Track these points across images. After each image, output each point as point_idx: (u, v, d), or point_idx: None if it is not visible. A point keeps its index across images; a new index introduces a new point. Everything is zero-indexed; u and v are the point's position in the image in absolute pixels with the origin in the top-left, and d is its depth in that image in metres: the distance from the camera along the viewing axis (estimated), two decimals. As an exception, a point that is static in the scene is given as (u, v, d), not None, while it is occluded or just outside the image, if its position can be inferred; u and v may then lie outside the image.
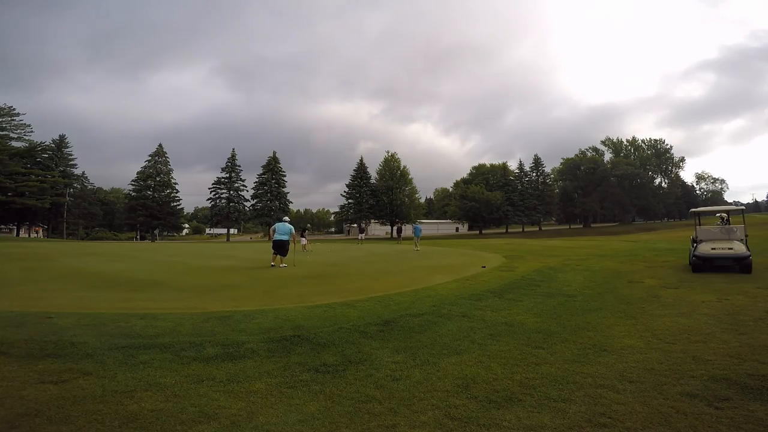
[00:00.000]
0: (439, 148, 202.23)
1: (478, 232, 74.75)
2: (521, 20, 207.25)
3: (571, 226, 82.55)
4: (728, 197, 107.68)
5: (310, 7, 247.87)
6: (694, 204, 77.85)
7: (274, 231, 12.94)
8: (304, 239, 23.36)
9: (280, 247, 12.56)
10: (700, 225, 11.49)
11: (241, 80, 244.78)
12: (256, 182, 65.79)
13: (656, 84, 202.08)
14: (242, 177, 66.04)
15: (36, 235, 61.52)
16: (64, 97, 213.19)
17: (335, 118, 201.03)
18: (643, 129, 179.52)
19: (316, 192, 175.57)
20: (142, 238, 59.88)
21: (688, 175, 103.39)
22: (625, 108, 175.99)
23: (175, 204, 65.73)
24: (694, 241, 10.89)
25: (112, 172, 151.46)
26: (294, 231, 13.20)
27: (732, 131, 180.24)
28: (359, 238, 35.03)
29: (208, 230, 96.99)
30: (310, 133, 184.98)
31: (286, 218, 14.30)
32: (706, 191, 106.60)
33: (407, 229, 41.61)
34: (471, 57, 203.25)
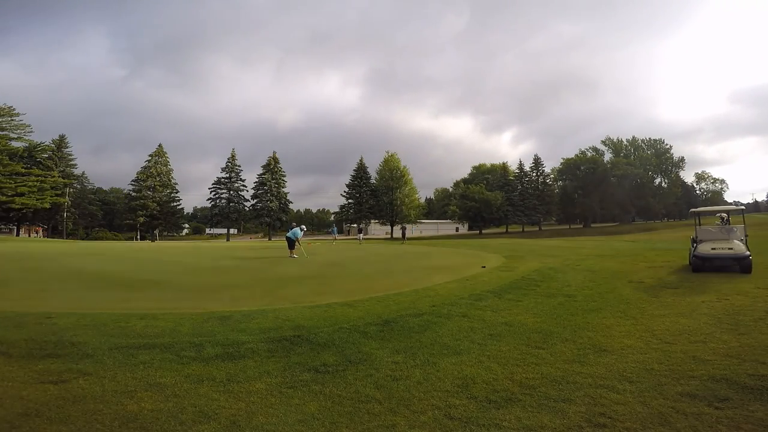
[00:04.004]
0: (505, 156, 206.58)
1: (478, 232, 74.68)
2: (628, 64, 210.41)
3: (571, 226, 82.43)
4: (728, 197, 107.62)
5: (487, 44, 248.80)
6: (694, 204, 77.79)
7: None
8: (361, 234, 34.26)
9: (288, 242, 17.26)
10: (700, 225, 11.48)
11: (379, 90, 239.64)
12: (255, 182, 65.83)
13: (711, 104, 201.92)
14: (242, 177, 66.14)
15: (36, 235, 61.45)
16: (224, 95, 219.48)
17: (428, 130, 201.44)
18: (684, 145, 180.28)
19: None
20: (142, 238, 59.87)
21: (688, 176, 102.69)
22: (677, 124, 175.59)
23: (175, 204, 65.68)
24: (694, 241, 10.88)
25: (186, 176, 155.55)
26: (298, 235, 17.28)
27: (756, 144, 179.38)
28: (359, 238, 35.45)
29: (208, 230, 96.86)
30: (392, 142, 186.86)
31: (294, 223, 19.49)
32: (706, 191, 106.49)
33: (398, 231, 44.31)
34: (576, 89, 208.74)
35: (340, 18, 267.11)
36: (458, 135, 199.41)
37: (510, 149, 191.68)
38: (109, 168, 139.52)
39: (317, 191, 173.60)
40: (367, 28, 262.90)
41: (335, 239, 33.76)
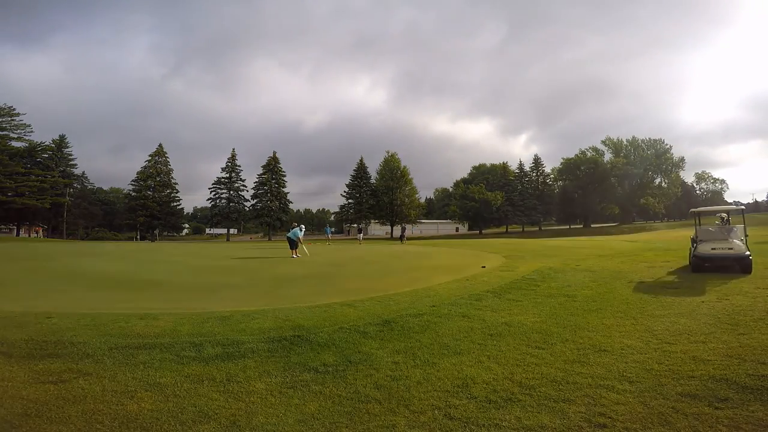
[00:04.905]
0: (519, 157, 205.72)
1: (478, 232, 74.73)
2: (644, 72, 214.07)
3: (571, 226, 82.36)
4: (728, 197, 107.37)
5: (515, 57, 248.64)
6: (694, 204, 77.66)
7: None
8: (361, 234, 36.52)
9: (289, 243, 17.77)
10: (700, 225, 11.48)
11: (404, 94, 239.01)
12: (255, 182, 65.84)
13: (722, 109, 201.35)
14: (242, 177, 66.17)
15: (36, 235, 61.47)
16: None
17: (447, 132, 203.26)
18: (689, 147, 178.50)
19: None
20: (142, 238, 59.88)
21: (688, 176, 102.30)
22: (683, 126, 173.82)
23: (175, 204, 65.71)
24: (694, 241, 10.88)
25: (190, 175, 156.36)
26: (298, 234, 17.62)
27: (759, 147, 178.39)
28: (359, 238, 35.59)
29: (208, 230, 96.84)
30: (407, 142, 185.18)
31: (295, 223, 19.81)
32: (706, 191, 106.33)
33: (397, 230, 44.60)
34: (593, 94, 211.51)
35: (385, 26, 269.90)
36: (476, 137, 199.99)
37: (523, 150, 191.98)
38: (125, 167, 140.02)
39: (325, 191, 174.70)
40: (409, 37, 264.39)
41: (329, 240, 33.91)
